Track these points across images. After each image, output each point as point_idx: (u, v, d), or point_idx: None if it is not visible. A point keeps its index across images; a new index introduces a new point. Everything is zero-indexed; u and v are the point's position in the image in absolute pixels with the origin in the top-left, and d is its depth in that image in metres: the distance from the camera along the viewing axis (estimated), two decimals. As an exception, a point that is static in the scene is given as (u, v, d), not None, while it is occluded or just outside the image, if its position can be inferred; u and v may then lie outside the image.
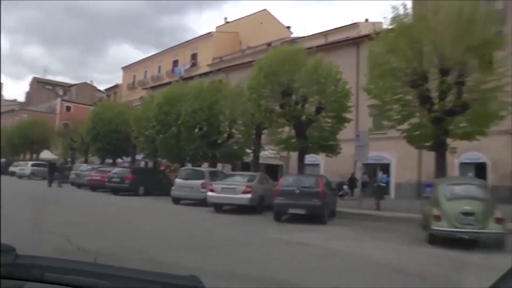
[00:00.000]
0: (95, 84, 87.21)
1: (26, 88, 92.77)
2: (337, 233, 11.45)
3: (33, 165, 35.00)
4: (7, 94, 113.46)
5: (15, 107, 76.73)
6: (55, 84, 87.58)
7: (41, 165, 35.53)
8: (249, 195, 15.05)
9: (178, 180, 18.52)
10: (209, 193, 15.85)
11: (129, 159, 31.69)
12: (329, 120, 18.38)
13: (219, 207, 15.99)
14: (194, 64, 50.61)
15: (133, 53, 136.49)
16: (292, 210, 13.19)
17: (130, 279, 1.36)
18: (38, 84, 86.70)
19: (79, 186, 25.56)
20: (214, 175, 18.25)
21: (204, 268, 5.65)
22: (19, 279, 1.36)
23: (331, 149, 18.67)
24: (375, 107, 16.53)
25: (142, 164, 34.57)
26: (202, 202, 16.77)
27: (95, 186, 23.56)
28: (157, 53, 59.84)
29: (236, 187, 15.38)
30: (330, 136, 18.30)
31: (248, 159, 23.07)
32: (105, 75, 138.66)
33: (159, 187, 22.09)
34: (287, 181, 14.28)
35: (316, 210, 13.02)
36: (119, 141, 30.65)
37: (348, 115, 18.51)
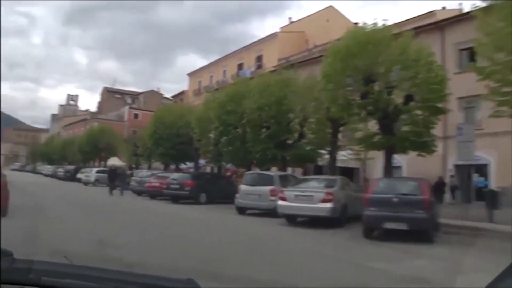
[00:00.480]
0: (162, 92, 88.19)
1: (99, 98, 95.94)
2: (460, 260, 8.21)
3: (97, 172, 34.36)
4: (82, 105, 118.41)
5: (87, 116, 79.22)
6: (124, 93, 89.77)
7: (105, 171, 34.88)
8: (329, 205, 12.13)
9: (243, 187, 15.95)
10: (280, 202, 13.12)
11: (192, 164, 29.90)
12: (420, 112, 15.09)
13: (292, 219, 13.28)
14: (259, 67, 48.45)
15: (200, 62, 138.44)
16: (388, 225, 10.16)
17: (128, 283, 1.37)
18: (108, 94, 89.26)
19: (139, 193, 23.97)
20: (284, 180, 15.48)
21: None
22: (16, 283, 1.35)
23: (425, 147, 15.31)
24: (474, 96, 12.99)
25: (208, 169, 32.76)
26: (271, 212, 14.09)
27: (154, 194, 21.84)
28: (222, 57, 58.69)
29: (313, 194, 12.47)
30: (424, 130, 14.99)
31: (322, 161, 20.20)
32: (173, 84, 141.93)
33: (223, 195, 19.82)
34: (379, 187, 11.17)
35: (422, 225, 9.91)
36: (182, 145, 28.96)
37: (443, 105, 15.12)
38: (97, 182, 33.03)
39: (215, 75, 57.90)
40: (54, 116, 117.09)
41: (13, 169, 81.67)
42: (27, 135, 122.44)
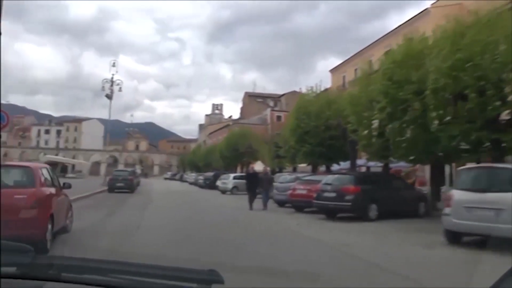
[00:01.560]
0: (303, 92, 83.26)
1: (241, 105, 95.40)
2: None
3: (235, 178, 29.92)
4: (226, 114, 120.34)
5: (230, 122, 78.32)
6: (265, 96, 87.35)
7: (244, 177, 30.40)
8: None
9: (459, 194, 8.78)
10: None
11: (347, 163, 23.36)
12: None
13: None
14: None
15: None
16: None
17: (148, 275, 1.37)
18: (250, 98, 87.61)
19: (282, 203, 18.30)
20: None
21: None
22: (37, 279, 1.35)
23: None
24: None
25: (363, 170, 25.75)
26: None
27: (299, 205, 15.95)
28: (367, 47, 51.52)
29: None
30: None
31: None
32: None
33: (402, 205, 13.05)
34: None
35: None
36: (333, 140, 22.69)
37: None
38: (235, 190, 28.59)
39: (360, 68, 50.96)
40: (201, 126, 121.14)
41: (165, 178, 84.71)
42: (179, 146, 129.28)
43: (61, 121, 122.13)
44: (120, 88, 36.55)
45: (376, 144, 17.86)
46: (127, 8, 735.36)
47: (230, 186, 29.05)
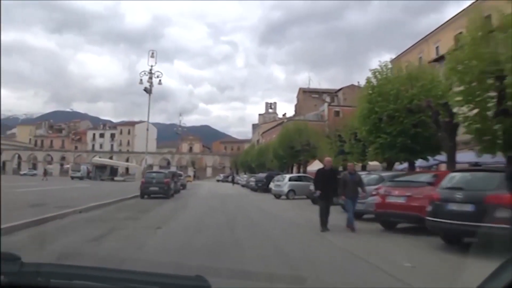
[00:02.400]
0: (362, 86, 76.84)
1: (295, 102, 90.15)
2: None
3: (292, 180, 24.94)
4: (280, 113, 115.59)
5: (284, 119, 73.53)
6: (321, 92, 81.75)
7: (304, 178, 25.32)
8: None
9: None
10: None
11: (442, 157, 17.66)
12: None
13: None
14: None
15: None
16: None
17: (136, 282, 1.37)
18: (305, 94, 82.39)
19: (359, 215, 12.68)
20: None
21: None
22: (25, 287, 1.34)
23: None
24: None
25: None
26: None
27: (391, 220, 10.71)
28: (432, 32, 45.19)
29: None
30: None
31: None
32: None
33: None
34: None
35: None
36: (420, 128, 17.19)
37: None
38: (291, 194, 23.72)
39: (425, 54, 45.50)
40: (254, 126, 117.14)
41: (217, 180, 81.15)
42: (232, 147, 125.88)
43: (115, 124, 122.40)
44: (160, 80, 32.21)
45: (492, 131, 12.33)
46: (180, 14, 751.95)
47: (285, 189, 24.13)
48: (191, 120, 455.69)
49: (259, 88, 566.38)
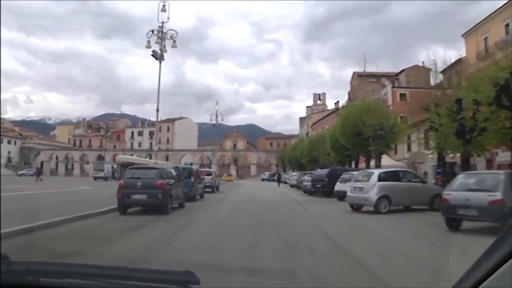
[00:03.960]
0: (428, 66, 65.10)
1: (348, 89, 79.28)
2: None
3: (383, 178, 14.69)
4: (330, 105, 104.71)
5: (338, 108, 63.13)
6: (379, 75, 70.57)
7: (404, 175, 15.38)
8: None
9: None
10: None
11: None
12: None
13: None
14: None
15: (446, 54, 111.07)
16: None
17: (126, 278, 1.36)
18: (360, 79, 71.47)
19: None
20: None
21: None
22: (14, 286, 1.32)
23: None
24: None
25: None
26: None
27: None
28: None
29: None
30: None
31: None
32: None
33: None
34: None
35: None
36: None
37: None
38: (384, 204, 13.61)
39: None
40: (302, 120, 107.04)
41: (262, 179, 71.78)
42: (279, 143, 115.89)
43: (154, 122, 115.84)
44: (175, 41, 23.19)
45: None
46: (223, 15, 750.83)
47: (373, 195, 13.78)
48: (237, 119, 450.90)
49: (304, 86, 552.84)
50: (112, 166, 52.14)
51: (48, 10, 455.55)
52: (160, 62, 23.07)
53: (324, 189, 22.57)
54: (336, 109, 57.67)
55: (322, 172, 24.88)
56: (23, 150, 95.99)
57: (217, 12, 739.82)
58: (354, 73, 70.63)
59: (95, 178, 50.26)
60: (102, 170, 50.87)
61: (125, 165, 54.71)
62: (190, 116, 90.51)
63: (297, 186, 33.31)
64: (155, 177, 12.64)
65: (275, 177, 64.79)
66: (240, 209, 15.53)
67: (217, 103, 39.77)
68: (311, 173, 29.32)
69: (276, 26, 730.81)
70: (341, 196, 18.13)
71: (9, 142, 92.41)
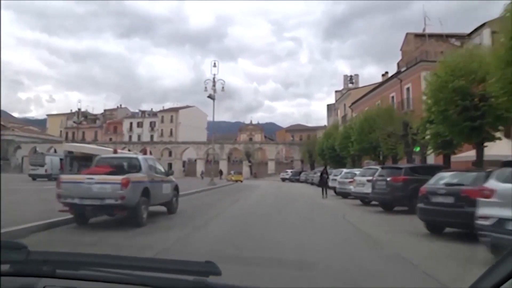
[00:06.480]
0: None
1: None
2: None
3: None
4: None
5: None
6: (447, 36, 52.69)
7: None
8: None
9: None
10: None
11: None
12: None
13: None
14: None
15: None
16: None
17: (144, 269, 1.33)
18: (417, 40, 53.56)
19: None
20: None
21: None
22: (31, 275, 1.30)
23: None
24: None
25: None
26: None
27: None
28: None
29: None
30: None
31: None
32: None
33: None
34: None
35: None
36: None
37: None
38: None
39: None
40: (329, 107, 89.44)
41: (283, 179, 54.49)
42: (301, 136, 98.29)
43: (156, 112, 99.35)
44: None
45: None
46: (242, 13, 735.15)
47: None
48: (256, 117, 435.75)
49: (324, 84, 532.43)
50: (61, 159, 35.50)
51: (70, 11, 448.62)
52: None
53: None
54: (390, 78, 40.03)
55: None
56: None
57: (237, 10, 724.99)
58: (407, 34, 52.55)
59: (33, 177, 33.95)
60: (42, 165, 34.45)
61: (79, 158, 38.28)
62: (209, 115, 72.99)
63: (342, 192, 16.53)
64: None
65: (301, 176, 47.47)
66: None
67: (215, 64, 31.48)
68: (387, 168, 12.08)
69: (295, 24, 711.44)
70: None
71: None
